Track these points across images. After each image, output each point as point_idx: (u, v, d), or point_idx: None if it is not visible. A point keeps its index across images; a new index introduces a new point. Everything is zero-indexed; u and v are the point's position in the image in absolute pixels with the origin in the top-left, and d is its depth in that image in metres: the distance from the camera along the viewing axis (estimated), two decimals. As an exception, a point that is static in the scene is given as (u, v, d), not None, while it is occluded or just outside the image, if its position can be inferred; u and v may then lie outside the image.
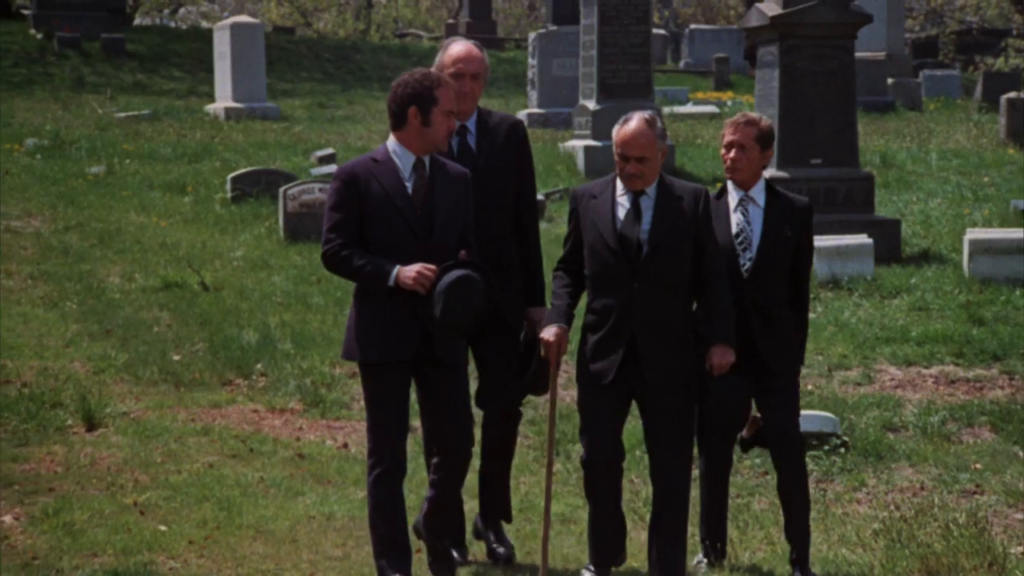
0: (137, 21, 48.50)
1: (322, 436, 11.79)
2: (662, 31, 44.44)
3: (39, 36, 35.04)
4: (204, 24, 52.95)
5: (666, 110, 28.59)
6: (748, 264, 9.04)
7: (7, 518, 9.77)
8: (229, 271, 16.59)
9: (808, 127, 17.50)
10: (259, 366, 13.26)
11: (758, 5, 18.35)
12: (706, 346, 8.65)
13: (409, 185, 8.39)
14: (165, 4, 60.01)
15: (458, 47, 9.23)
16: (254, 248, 17.68)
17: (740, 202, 9.14)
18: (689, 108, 31.79)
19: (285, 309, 15.13)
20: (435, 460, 8.55)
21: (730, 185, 9.21)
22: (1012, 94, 27.38)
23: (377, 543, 8.37)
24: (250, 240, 18.07)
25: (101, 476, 10.62)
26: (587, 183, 8.92)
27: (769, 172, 17.59)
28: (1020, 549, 9.76)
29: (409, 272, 8.16)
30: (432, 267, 8.17)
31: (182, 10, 63.50)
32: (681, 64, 43.00)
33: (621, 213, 8.57)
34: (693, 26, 48.41)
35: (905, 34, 39.53)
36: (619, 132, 8.56)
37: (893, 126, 29.17)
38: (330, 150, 23.66)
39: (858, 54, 19.26)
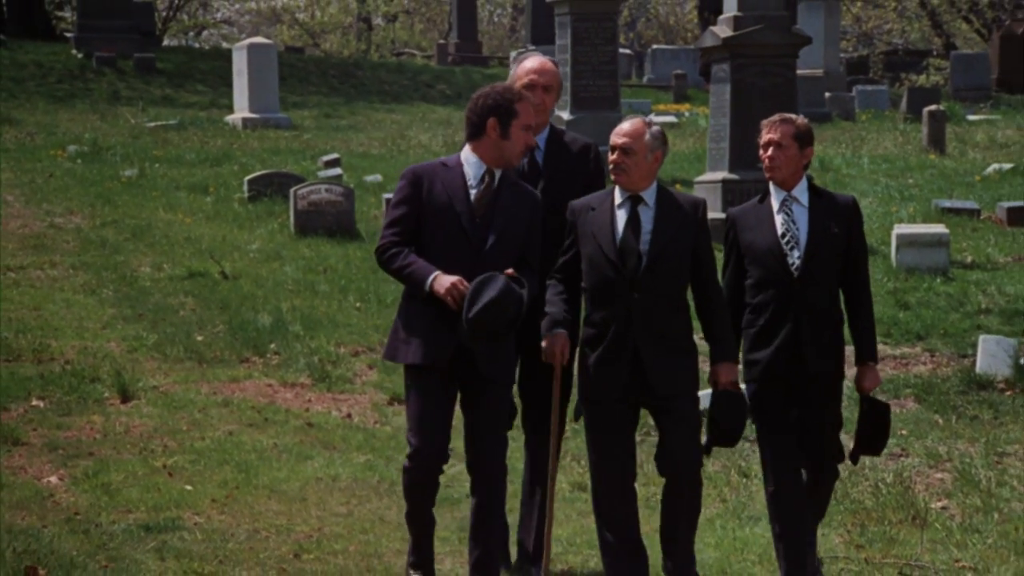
0: (166, 42, 48.41)
1: (328, 407, 11.80)
2: (627, 51, 44.42)
3: (80, 56, 34.97)
4: (224, 45, 52.84)
5: (631, 120, 28.58)
6: (797, 263, 7.89)
7: (53, 479, 9.77)
8: (246, 262, 16.59)
9: (755, 134, 17.46)
10: (272, 345, 13.26)
11: (712, 28, 18.41)
12: (712, 363, 7.68)
13: (473, 193, 7.45)
14: (190, 27, 59.96)
15: (532, 60, 8.26)
16: (268, 242, 17.68)
17: (783, 203, 8.02)
18: (653, 118, 31.77)
19: (295, 295, 15.13)
20: (471, 482, 7.59)
21: (772, 187, 8.09)
22: (933, 107, 27.44)
23: (408, 520, 7.68)
24: (264, 235, 18.07)
25: (134, 442, 10.63)
26: (586, 196, 7.81)
27: (720, 174, 17.68)
28: (940, 504, 9.79)
29: (444, 282, 7.27)
30: (466, 282, 7.24)
31: (205, 32, 63.42)
32: (644, 79, 42.96)
33: (620, 224, 7.58)
34: (655, 46, 48.41)
35: (840, 54, 39.57)
36: (615, 129, 7.74)
37: (830, 134, 29.19)
38: (335, 155, 23.67)
39: (799, 71, 19.29)
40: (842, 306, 8.12)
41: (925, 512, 9.43)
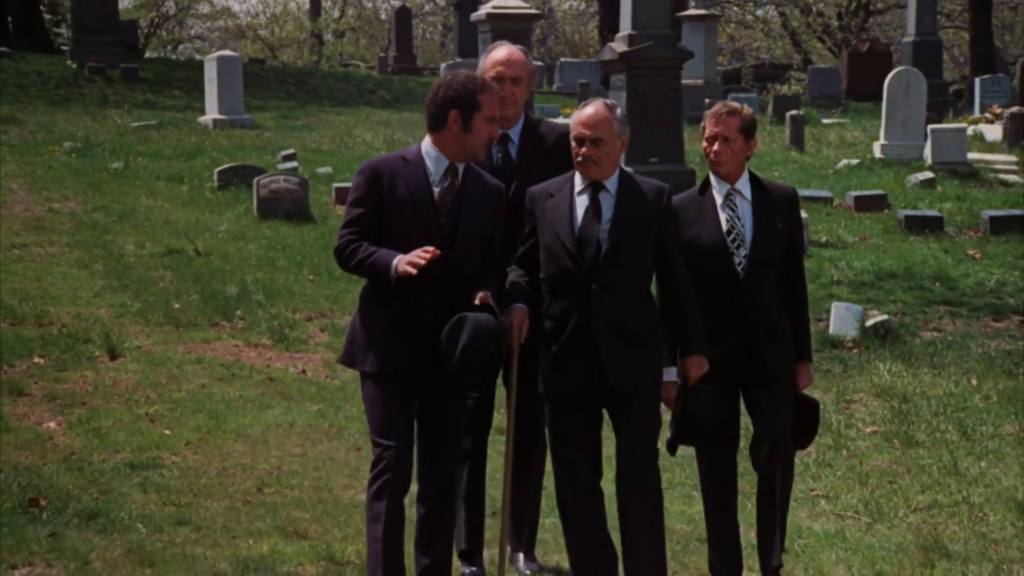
0: (148, 54, 47.88)
1: (286, 365, 11.77)
2: (539, 62, 44.36)
3: (74, 66, 34.58)
4: (197, 57, 52.32)
5: (542, 122, 28.61)
6: (743, 262, 6.53)
7: (51, 424, 9.71)
8: (216, 241, 16.50)
9: (648, 134, 17.56)
10: (238, 312, 13.21)
11: (610, 44, 18.44)
12: (681, 356, 6.33)
13: (437, 190, 6.05)
14: (168, 42, 59.48)
15: (500, 51, 6.78)
16: (234, 224, 17.58)
17: (727, 197, 6.62)
18: (560, 120, 31.76)
19: (258, 269, 15.06)
20: (419, 491, 6.25)
21: (713, 179, 6.66)
22: (793, 112, 27.59)
23: (372, 556, 6.13)
24: (231, 218, 17.96)
25: (121, 394, 10.57)
26: (545, 182, 6.38)
27: (617, 168, 17.70)
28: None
29: (405, 259, 5.86)
30: (430, 249, 5.84)
31: (181, 46, 62.86)
32: (554, 87, 42.95)
33: (580, 211, 6.18)
34: (562, 59, 48.39)
35: (717, 67, 39.71)
36: (576, 115, 6.26)
37: (708, 134, 29.30)
38: (292, 150, 23.55)
39: (683, 81, 19.33)
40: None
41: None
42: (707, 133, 6.66)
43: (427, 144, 6.15)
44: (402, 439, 6.07)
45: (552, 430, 6.28)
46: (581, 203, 6.23)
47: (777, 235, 6.60)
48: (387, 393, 6.08)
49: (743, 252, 6.54)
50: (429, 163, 6.11)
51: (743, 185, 6.67)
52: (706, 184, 6.70)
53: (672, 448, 6.50)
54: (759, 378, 6.57)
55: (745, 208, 6.62)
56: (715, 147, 6.61)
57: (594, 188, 6.23)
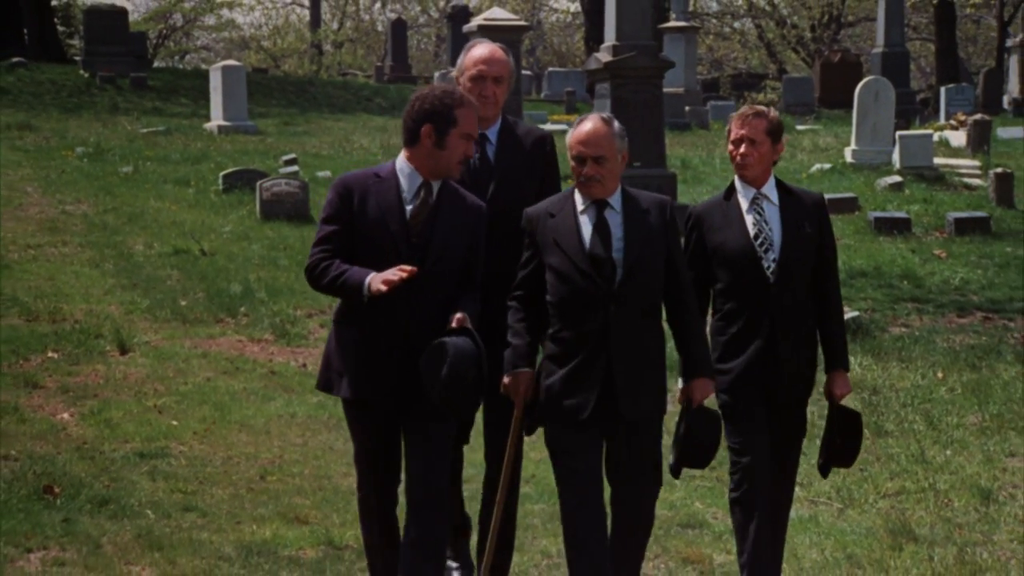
0: (156, 64, 47.88)
1: (288, 359, 11.77)
2: (528, 72, 44.37)
3: (86, 75, 34.53)
4: (203, 66, 52.29)
5: (530, 128, 28.60)
6: (773, 266, 6.02)
7: (65, 415, 9.72)
8: (220, 241, 16.49)
9: (631, 140, 17.45)
10: (242, 309, 13.21)
11: (595, 54, 18.44)
12: (686, 378, 5.80)
13: (409, 208, 5.52)
14: (176, 52, 59.47)
15: (480, 49, 6.09)
16: (238, 225, 17.57)
17: (753, 201, 6.13)
18: (548, 127, 31.77)
19: (261, 268, 15.06)
20: (408, 517, 5.63)
21: (738, 184, 6.19)
22: (770, 118, 27.59)
23: (369, 558, 5.89)
24: (235, 219, 17.95)
25: (131, 386, 10.57)
26: (541, 202, 5.81)
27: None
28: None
29: (379, 281, 5.32)
30: (407, 268, 5.30)
31: (188, 56, 62.85)
32: (542, 95, 42.97)
33: (587, 231, 5.60)
34: (550, 69, 48.44)
35: (697, 76, 39.74)
36: (573, 133, 5.68)
37: (689, 140, 29.33)
38: (293, 155, 23.53)
39: (665, 89, 19.34)
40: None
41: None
42: (733, 136, 6.22)
43: (401, 160, 5.64)
44: (384, 466, 5.69)
45: (559, 447, 5.65)
46: (586, 222, 5.65)
47: (806, 239, 6.10)
48: (367, 419, 5.65)
49: (772, 256, 6.05)
50: (402, 179, 5.58)
51: (769, 189, 6.19)
52: (731, 189, 6.24)
53: (676, 472, 6.03)
54: (780, 384, 6.14)
55: (772, 212, 6.13)
56: (741, 150, 6.17)
57: (598, 206, 5.67)
